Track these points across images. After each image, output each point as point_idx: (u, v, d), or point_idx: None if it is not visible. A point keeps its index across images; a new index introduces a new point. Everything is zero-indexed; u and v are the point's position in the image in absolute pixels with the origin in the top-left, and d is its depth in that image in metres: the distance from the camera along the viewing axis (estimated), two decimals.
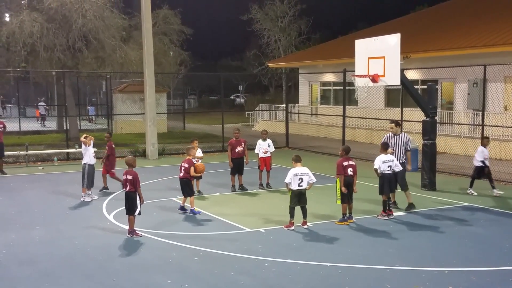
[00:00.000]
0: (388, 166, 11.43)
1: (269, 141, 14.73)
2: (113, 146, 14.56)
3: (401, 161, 12.17)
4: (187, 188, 11.84)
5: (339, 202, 10.96)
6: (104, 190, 14.13)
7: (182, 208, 11.95)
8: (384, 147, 11.66)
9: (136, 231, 10.09)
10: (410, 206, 12.09)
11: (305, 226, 10.59)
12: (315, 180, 10.69)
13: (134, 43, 27.93)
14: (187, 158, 12.03)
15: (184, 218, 11.51)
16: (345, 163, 10.94)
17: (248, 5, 47.27)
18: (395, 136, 12.55)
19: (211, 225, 10.96)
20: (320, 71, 31.41)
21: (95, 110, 39.71)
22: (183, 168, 11.83)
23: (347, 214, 11.04)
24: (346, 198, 10.96)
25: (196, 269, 8.34)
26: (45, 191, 14.20)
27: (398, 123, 12.97)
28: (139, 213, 10.11)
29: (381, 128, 24.86)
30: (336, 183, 11.05)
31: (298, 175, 10.39)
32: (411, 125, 21.08)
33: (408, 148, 12.52)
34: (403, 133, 12.75)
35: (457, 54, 22.56)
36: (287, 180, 10.45)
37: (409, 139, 12.56)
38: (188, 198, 11.86)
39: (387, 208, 11.50)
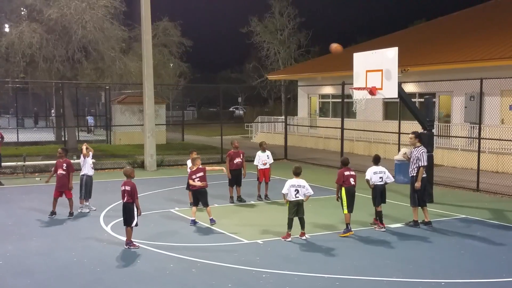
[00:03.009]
0: (380, 178, 11.55)
1: (268, 152, 14.78)
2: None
3: (410, 175, 12.07)
4: (205, 198, 11.82)
5: (345, 211, 10.96)
6: (54, 216, 12.63)
7: (212, 220, 11.74)
8: (375, 159, 11.76)
9: (134, 243, 10.09)
10: (415, 223, 11.83)
11: (304, 237, 10.60)
12: (312, 193, 10.72)
13: (133, 54, 28.03)
14: (198, 168, 11.88)
15: (182, 229, 11.50)
16: (347, 173, 11.02)
17: (247, 18, 47.62)
18: (414, 149, 12.15)
19: (209, 237, 10.96)
20: (319, 83, 31.52)
21: (94, 120, 39.70)
22: (197, 179, 11.69)
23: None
24: (351, 209, 11.00)
25: (193, 280, 8.34)
26: (42, 202, 14.16)
27: (416, 135, 12.31)
28: (136, 225, 10.12)
29: (379, 141, 24.92)
30: (341, 193, 11.03)
31: (295, 186, 10.46)
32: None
33: (420, 164, 11.81)
34: (421, 146, 12.05)
35: (454, 68, 22.68)
36: (284, 191, 10.51)
37: (422, 154, 11.85)
38: (194, 207, 11.87)
39: (379, 221, 11.59)
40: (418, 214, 11.88)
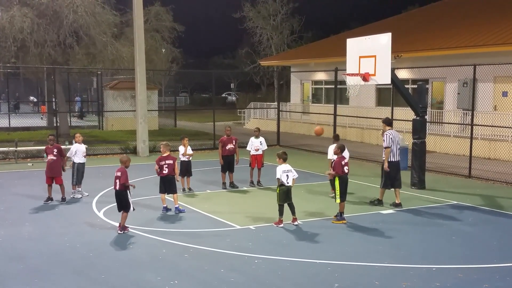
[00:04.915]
0: None
1: (261, 139, 14.74)
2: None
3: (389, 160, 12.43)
4: (172, 184, 11.74)
5: (338, 200, 10.99)
6: (49, 202, 12.58)
7: (166, 209, 11.73)
8: (335, 137, 13.17)
9: (126, 227, 10.09)
10: (379, 201, 12.42)
11: (296, 223, 10.63)
12: (297, 175, 10.82)
13: (125, 39, 27.85)
14: (168, 154, 11.75)
15: (174, 215, 11.50)
16: (343, 162, 11.03)
17: (240, 3, 47.32)
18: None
19: (202, 222, 10.97)
20: (311, 69, 31.46)
21: (81, 104, 39.36)
22: (165, 166, 11.62)
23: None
24: (345, 197, 11.03)
25: (186, 266, 8.35)
26: (34, 187, 14.13)
27: (383, 120, 12.90)
28: (133, 209, 10.11)
29: (372, 127, 24.96)
30: (335, 182, 11.04)
31: (286, 172, 10.52)
32: (402, 124, 21.20)
33: (384, 145, 12.52)
34: (387, 130, 12.52)
35: (447, 54, 22.68)
36: (279, 176, 10.52)
37: (384, 135, 12.41)
38: (172, 195, 11.76)
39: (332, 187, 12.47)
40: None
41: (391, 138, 12.29)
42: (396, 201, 12.29)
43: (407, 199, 12.96)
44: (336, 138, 13.27)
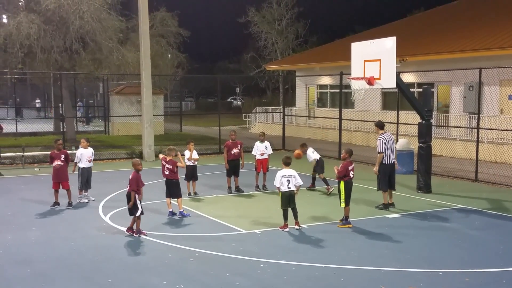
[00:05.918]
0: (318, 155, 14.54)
1: (266, 143, 14.77)
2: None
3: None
4: (176, 189, 11.78)
5: (343, 205, 10.97)
6: (56, 207, 12.60)
7: (172, 213, 11.79)
8: (302, 145, 14.66)
9: (143, 231, 10.15)
10: (384, 205, 12.51)
11: (297, 227, 10.62)
12: (302, 183, 10.79)
13: (131, 45, 27.97)
14: (169, 159, 11.78)
15: (180, 219, 11.53)
16: (350, 167, 11.03)
17: (245, 8, 47.46)
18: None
19: (207, 227, 10.99)
20: (317, 74, 31.47)
21: (84, 109, 39.42)
22: (166, 168, 11.69)
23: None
24: (349, 201, 11.02)
25: (192, 270, 8.37)
26: (41, 192, 14.19)
27: (375, 124, 13.18)
28: (142, 213, 10.13)
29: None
30: (340, 186, 11.03)
31: (286, 177, 10.49)
32: (407, 128, 21.18)
33: (377, 150, 12.65)
34: (381, 134, 12.68)
35: (453, 58, 22.65)
36: (277, 184, 10.51)
37: (378, 140, 12.58)
38: (176, 200, 11.79)
39: (327, 184, 14.06)
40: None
41: (385, 143, 12.46)
42: (389, 201, 12.52)
43: (413, 203, 12.94)
44: (303, 145, 14.65)
